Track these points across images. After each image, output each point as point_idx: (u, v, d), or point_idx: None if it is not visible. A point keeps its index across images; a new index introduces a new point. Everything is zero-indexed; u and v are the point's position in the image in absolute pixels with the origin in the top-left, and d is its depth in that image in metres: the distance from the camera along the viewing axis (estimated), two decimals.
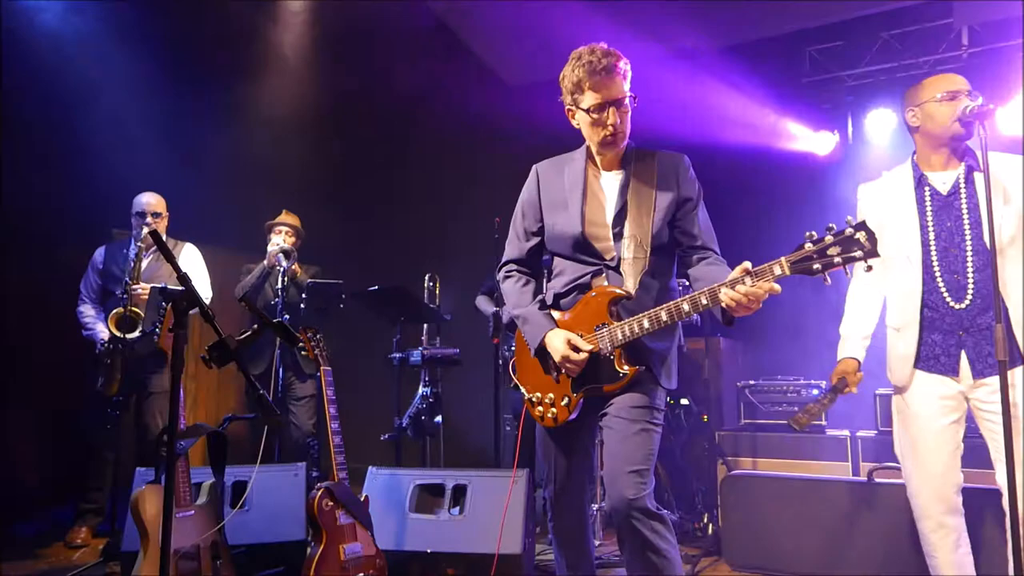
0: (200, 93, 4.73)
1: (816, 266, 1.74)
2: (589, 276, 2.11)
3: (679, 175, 2.13)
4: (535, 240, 2.25)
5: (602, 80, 2.02)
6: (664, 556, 1.93)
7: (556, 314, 2.16)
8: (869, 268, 1.72)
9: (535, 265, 2.30)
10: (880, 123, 4.89)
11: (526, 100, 5.86)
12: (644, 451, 1.99)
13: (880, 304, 2.60)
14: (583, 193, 2.15)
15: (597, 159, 2.19)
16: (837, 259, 1.71)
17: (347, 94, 5.55)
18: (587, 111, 2.07)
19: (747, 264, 1.83)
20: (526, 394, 2.20)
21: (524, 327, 2.17)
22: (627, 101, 2.07)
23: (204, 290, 4.04)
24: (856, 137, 5.01)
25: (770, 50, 5.22)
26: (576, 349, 2.02)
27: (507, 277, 2.29)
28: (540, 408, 2.15)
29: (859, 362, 2.57)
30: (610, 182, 2.17)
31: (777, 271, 1.79)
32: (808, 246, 1.76)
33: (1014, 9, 4.40)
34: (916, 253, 2.42)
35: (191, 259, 4.05)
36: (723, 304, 1.85)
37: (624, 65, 2.07)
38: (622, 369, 2.01)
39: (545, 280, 2.32)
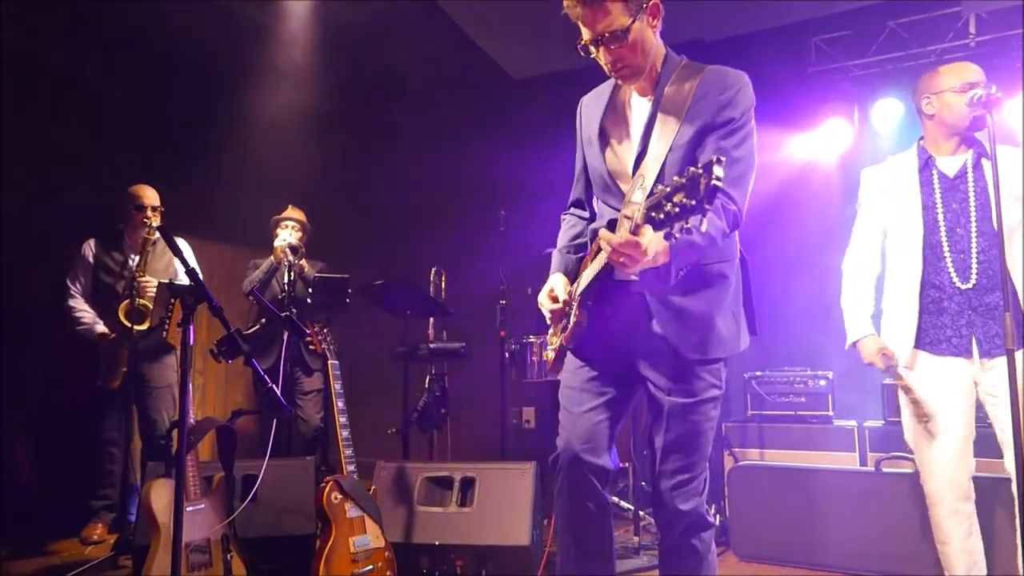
0: (206, 90, 4.74)
1: (659, 215, 1.37)
2: (606, 223, 1.83)
3: (722, 96, 1.74)
4: (583, 182, 2.05)
5: (585, 12, 1.70)
6: (707, 570, 1.85)
7: (586, 261, 1.96)
8: (700, 224, 1.33)
9: (592, 211, 2.06)
10: (887, 112, 4.84)
11: (531, 94, 5.86)
12: (698, 452, 1.79)
13: (875, 278, 2.60)
14: (607, 125, 1.88)
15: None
16: (672, 209, 1.34)
17: (352, 88, 5.55)
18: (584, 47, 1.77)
19: (627, 208, 1.54)
20: (548, 336, 2.05)
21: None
22: (624, 33, 1.69)
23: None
24: (863, 126, 4.97)
25: (776, 40, 5.19)
26: (553, 298, 1.90)
27: (563, 220, 2.12)
28: (547, 351, 2.04)
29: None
30: (640, 110, 1.85)
31: (637, 218, 1.46)
32: (659, 188, 1.39)
33: None
34: (917, 234, 2.43)
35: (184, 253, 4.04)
36: (603, 259, 1.57)
37: None
38: (572, 318, 1.81)
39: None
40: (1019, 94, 4.26)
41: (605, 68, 1.80)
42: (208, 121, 4.77)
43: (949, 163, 2.46)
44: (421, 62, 5.29)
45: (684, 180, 1.33)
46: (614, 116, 1.89)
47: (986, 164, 2.37)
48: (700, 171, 1.31)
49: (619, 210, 1.79)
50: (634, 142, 1.82)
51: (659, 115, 1.77)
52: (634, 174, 1.78)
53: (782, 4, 4.96)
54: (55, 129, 4.14)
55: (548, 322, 1.98)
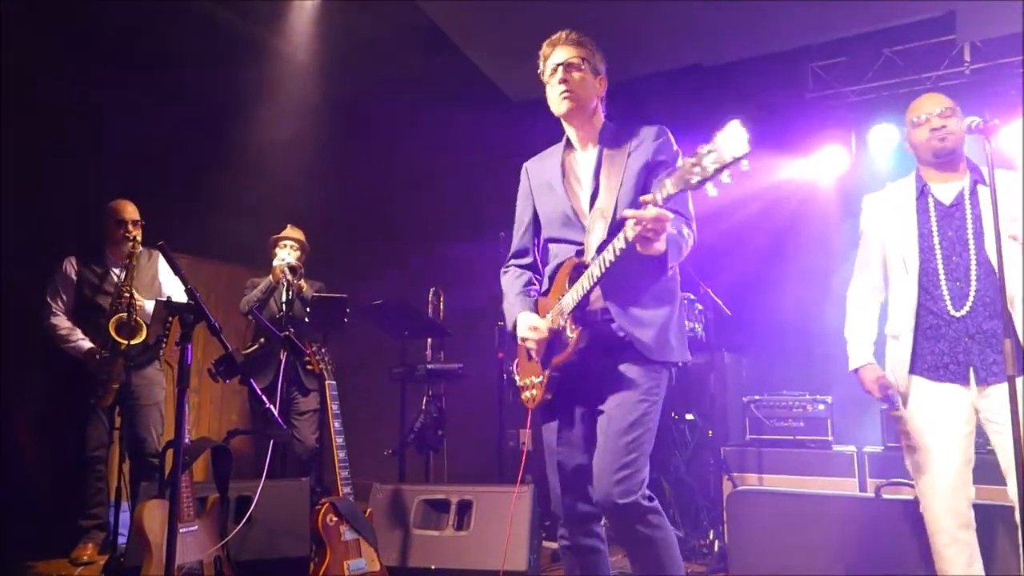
0: (204, 105, 4.76)
1: (695, 179, 1.70)
2: (574, 254, 2.11)
3: (652, 142, 2.13)
4: (531, 232, 2.33)
5: (568, 44, 2.21)
6: (657, 543, 1.97)
7: (541, 300, 2.22)
8: (745, 167, 1.66)
9: (534, 258, 2.36)
10: (883, 138, 4.89)
11: (530, 116, 5.90)
12: (630, 445, 1.96)
13: (879, 306, 2.62)
14: (563, 172, 2.22)
15: (574, 141, 2.26)
16: (712, 166, 1.67)
17: (350, 109, 5.58)
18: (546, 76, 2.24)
19: (644, 196, 1.83)
20: (519, 381, 2.22)
21: (506, 313, 2.26)
22: (581, 63, 2.16)
23: (180, 297, 4.01)
24: (859, 152, 5.02)
25: (773, 66, 5.25)
26: (534, 329, 2.08)
27: (504, 273, 2.38)
28: (526, 392, 2.17)
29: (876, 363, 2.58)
30: (587, 159, 2.22)
31: (663, 192, 1.78)
32: (687, 161, 1.73)
33: (1016, 25, 4.42)
34: (913, 261, 2.46)
35: (168, 267, 4.02)
36: (629, 239, 1.83)
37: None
38: (571, 335, 2.00)
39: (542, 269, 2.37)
40: (1013, 121, 4.31)
41: (555, 93, 2.19)
42: (207, 138, 4.78)
43: (945, 190, 2.48)
44: (420, 83, 5.33)
45: (709, 147, 1.67)
46: (567, 168, 2.25)
47: (982, 191, 2.40)
48: (727, 134, 1.64)
49: (578, 242, 2.12)
50: (586, 186, 2.18)
51: (604, 163, 2.15)
52: (591, 210, 2.12)
53: (779, 31, 5.02)
54: (56, 145, 4.15)
55: (531, 357, 2.12)
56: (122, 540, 3.51)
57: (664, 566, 1.97)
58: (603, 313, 2.04)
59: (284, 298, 4.07)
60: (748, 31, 4.98)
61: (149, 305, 3.83)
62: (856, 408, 4.12)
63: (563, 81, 2.15)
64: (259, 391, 2.13)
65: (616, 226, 1.97)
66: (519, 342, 2.14)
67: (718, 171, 1.66)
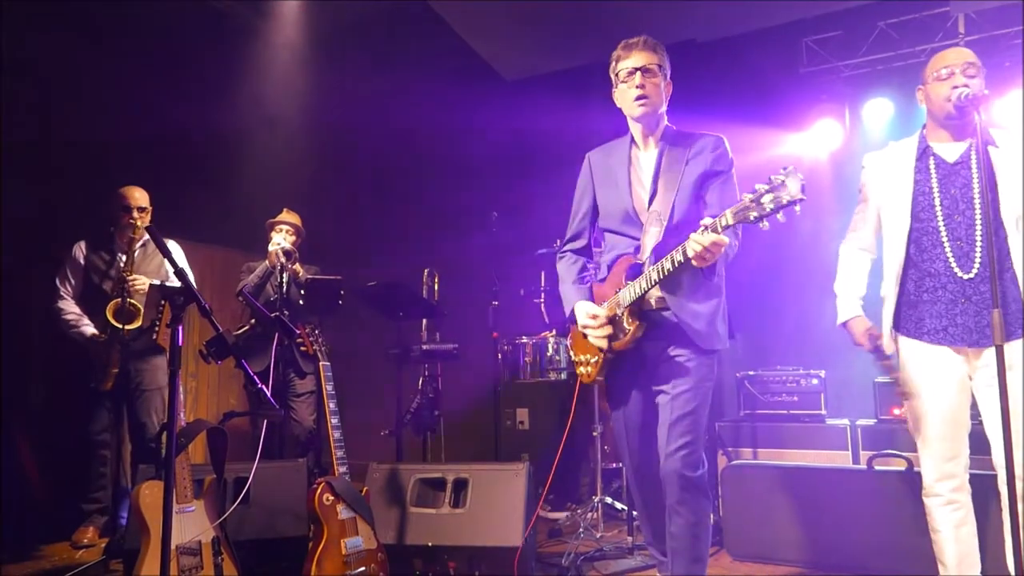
0: (199, 90, 4.73)
1: (753, 214, 1.90)
2: (632, 249, 2.32)
3: (711, 151, 2.30)
4: (588, 219, 2.51)
5: (642, 50, 2.32)
6: (704, 517, 2.25)
7: (596, 286, 2.43)
8: (798, 211, 1.84)
9: (588, 242, 2.55)
10: (878, 112, 4.87)
11: (523, 95, 5.87)
12: (692, 426, 2.23)
13: (869, 264, 2.60)
14: (628, 170, 2.37)
15: (638, 139, 2.40)
16: (769, 206, 1.86)
17: (343, 90, 5.55)
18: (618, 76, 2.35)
19: (705, 220, 2.02)
20: (573, 356, 2.50)
21: (563, 299, 2.47)
22: (657, 70, 2.29)
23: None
24: (854, 126, 4.99)
25: (767, 40, 5.21)
26: (594, 317, 2.28)
27: (561, 258, 2.57)
28: (581, 368, 2.44)
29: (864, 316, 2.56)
30: (648, 159, 2.38)
31: (723, 222, 1.97)
32: (747, 196, 1.92)
33: None
34: (904, 222, 2.40)
35: (174, 254, 4.02)
36: (690, 256, 2.03)
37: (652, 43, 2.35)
38: (629, 326, 2.23)
39: (598, 256, 2.55)
40: (1007, 93, 4.30)
41: (631, 96, 2.30)
42: (202, 123, 4.75)
43: (949, 150, 2.40)
44: (413, 63, 5.29)
45: (767, 187, 1.86)
46: (636, 164, 2.39)
47: (993, 151, 2.31)
48: (783, 178, 1.83)
49: (634, 237, 2.31)
50: (646, 185, 2.33)
51: (663, 165, 2.31)
52: (648, 209, 2.29)
53: (773, 5, 4.98)
54: (51, 132, 4.13)
55: (596, 340, 2.32)
56: (124, 523, 3.56)
57: (701, 539, 2.26)
58: (659, 305, 2.25)
59: (280, 282, 4.06)
60: (742, 6, 4.93)
61: None
62: (849, 381, 4.15)
63: (640, 87, 2.28)
64: (251, 372, 2.14)
65: (671, 229, 2.22)
66: (579, 328, 2.34)
67: (774, 211, 1.86)
